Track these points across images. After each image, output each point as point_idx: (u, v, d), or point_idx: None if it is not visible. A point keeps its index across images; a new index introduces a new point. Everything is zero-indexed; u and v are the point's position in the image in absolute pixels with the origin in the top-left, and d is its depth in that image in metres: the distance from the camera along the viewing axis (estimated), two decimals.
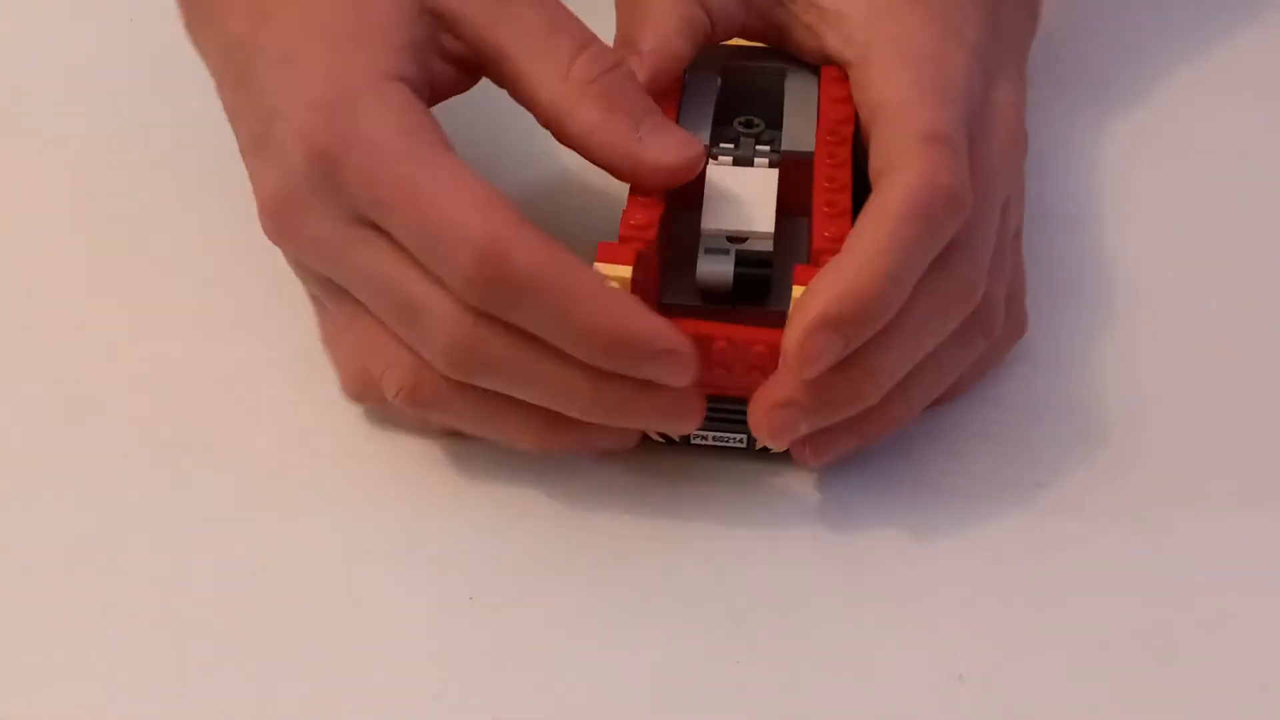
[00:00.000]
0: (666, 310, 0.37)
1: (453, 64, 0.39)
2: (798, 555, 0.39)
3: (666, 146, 0.38)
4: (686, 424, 0.37)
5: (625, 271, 0.36)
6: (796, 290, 0.36)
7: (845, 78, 0.41)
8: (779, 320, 0.36)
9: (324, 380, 0.43)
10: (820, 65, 0.42)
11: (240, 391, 0.43)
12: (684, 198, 0.39)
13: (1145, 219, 0.48)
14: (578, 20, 0.39)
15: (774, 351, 0.36)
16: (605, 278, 0.36)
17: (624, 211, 0.38)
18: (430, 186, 0.35)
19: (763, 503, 0.40)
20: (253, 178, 0.39)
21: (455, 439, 0.40)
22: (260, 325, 0.44)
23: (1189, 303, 0.45)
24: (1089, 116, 0.51)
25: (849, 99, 0.41)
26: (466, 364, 0.36)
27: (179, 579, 0.38)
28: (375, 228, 0.36)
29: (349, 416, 0.42)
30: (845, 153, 0.40)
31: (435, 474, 0.40)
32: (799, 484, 0.40)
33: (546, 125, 0.39)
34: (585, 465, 0.40)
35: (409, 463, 0.41)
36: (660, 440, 0.40)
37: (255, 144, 0.38)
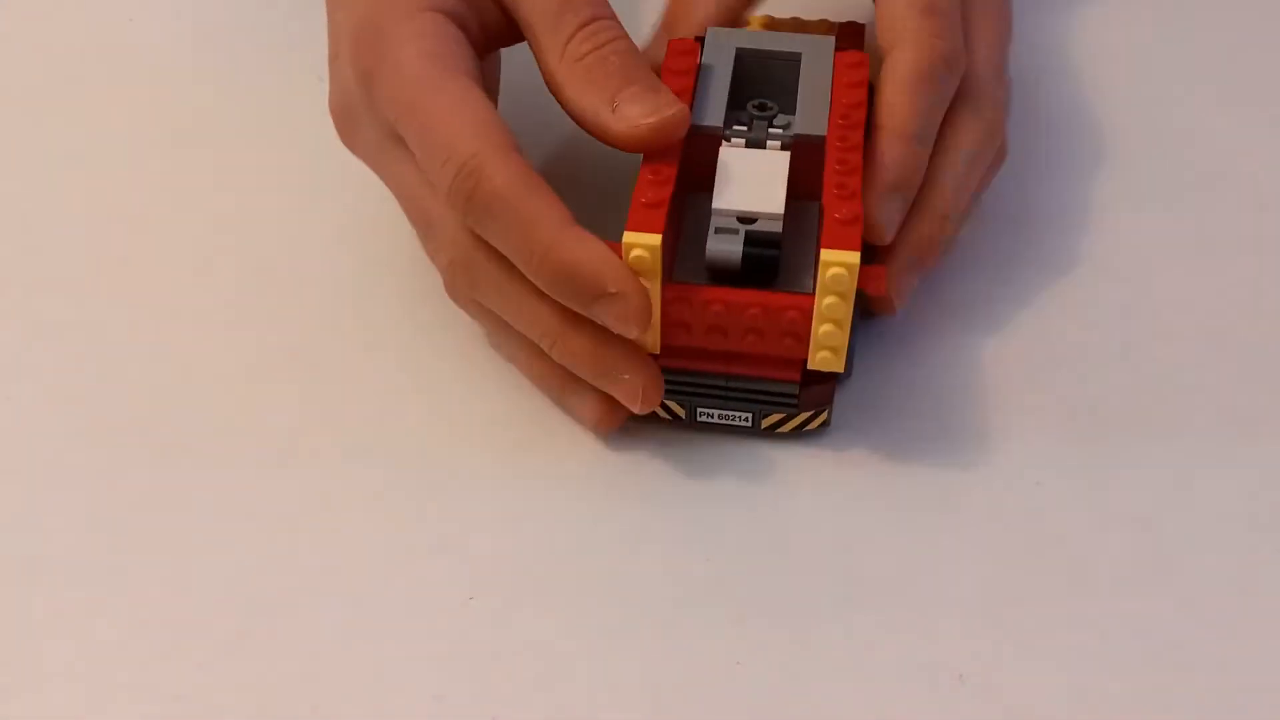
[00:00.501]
0: (681, 286, 0.38)
1: (502, 13, 0.42)
2: (798, 555, 0.39)
3: (637, 115, 0.38)
4: (640, 400, 0.39)
5: (655, 240, 0.37)
6: (825, 254, 0.37)
7: (861, 63, 0.43)
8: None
9: (324, 380, 0.43)
10: (836, 49, 0.43)
11: (240, 391, 0.43)
12: (696, 179, 0.40)
13: (1145, 218, 0.48)
14: None
15: (805, 317, 0.38)
16: (627, 246, 0.37)
17: (634, 190, 0.38)
18: (433, 106, 0.38)
19: (763, 502, 0.40)
20: (329, 86, 0.43)
21: None
22: (258, 324, 0.44)
23: (1189, 302, 0.45)
24: (1090, 116, 0.51)
25: (864, 83, 0.42)
26: (462, 283, 0.40)
27: (179, 579, 0.38)
28: (403, 144, 0.40)
29: (349, 416, 0.42)
30: (857, 137, 0.40)
31: (436, 473, 0.40)
32: (799, 484, 0.40)
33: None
34: (586, 466, 0.41)
35: (409, 462, 0.41)
36: (667, 417, 0.41)
37: (330, 58, 0.43)
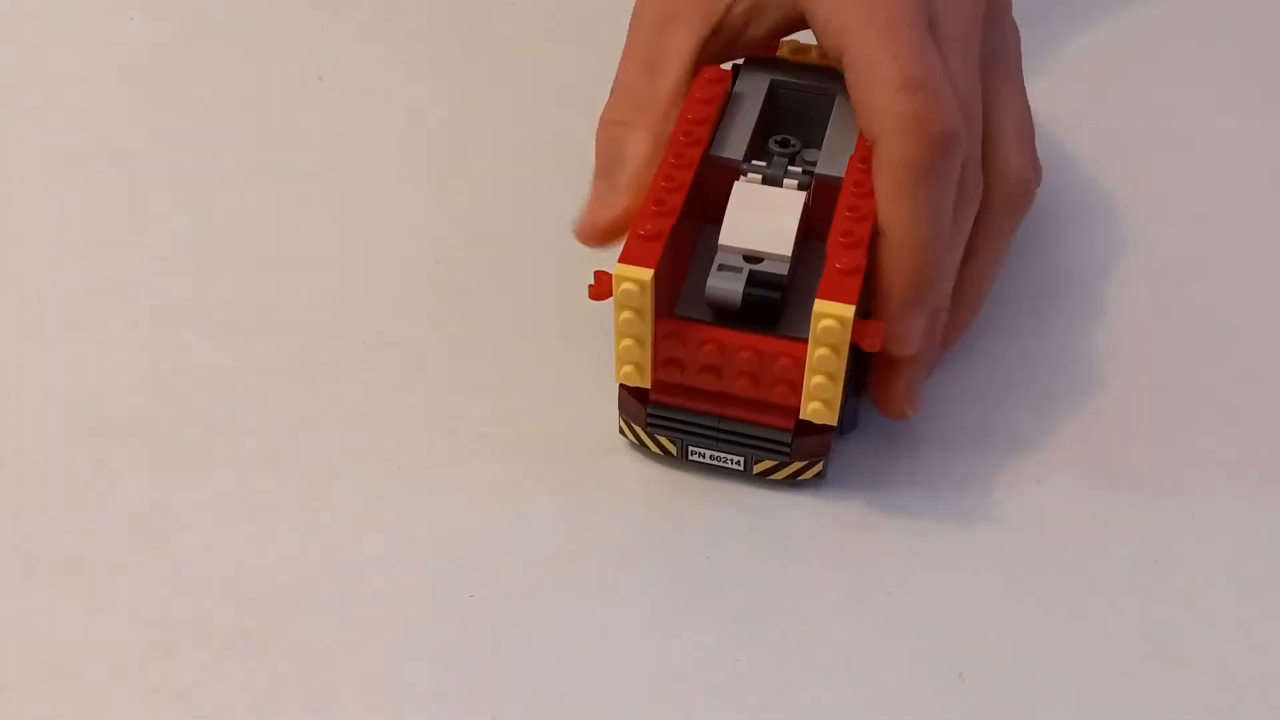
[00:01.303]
0: (677, 322, 0.37)
1: None
2: (798, 555, 0.39)
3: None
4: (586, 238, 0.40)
5: (646, 274, 0.36)
6: (818, 304, 0.35)
7: None
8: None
9: (324, 379, 0.43)
10: None
11: (240, 391, 0.43)
12: (713, 210, 0.39)
13: (1146, 218, 0.48)
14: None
15: (799, 365, 0.36)
16: (618, 278, 0.36)
17: (634, 219, 0.37)
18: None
19: (763, 503, 0.40)
20: None
21: None
22: (258, 323, 0.44)
23: (1190, 302, 0.45)
24: (1090, 116, 0.51)
25: None
26: None
27: (179, 578, 0.38)
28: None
29: (349, 415, 0.42)
30: (871, 181, 0.38)
31: (436, 473, 0.40)
32: (799, 484, 0.40)
33: None
34: (586, 466, 0.41)
35: (409, 462, 0.41)
36: (657, 451, 0.40)
37: None
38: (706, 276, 0.38)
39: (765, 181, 0.39)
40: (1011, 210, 0.41)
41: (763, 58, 0.43)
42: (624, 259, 0.36)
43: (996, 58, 0.42)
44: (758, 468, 0.39)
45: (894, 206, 0.37)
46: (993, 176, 0.40)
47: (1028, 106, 0.43)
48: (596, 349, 0.41)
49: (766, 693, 0.36)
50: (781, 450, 0.39)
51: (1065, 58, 0.54)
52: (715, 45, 0.42)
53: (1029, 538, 0.39)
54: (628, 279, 0.36)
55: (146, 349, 0.44)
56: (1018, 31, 0.44)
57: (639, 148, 0.40)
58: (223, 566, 0.38)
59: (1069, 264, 0.46)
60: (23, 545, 0.39)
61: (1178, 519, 0.40)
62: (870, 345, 0.36)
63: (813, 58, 0.44)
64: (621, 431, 0.40)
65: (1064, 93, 0.50)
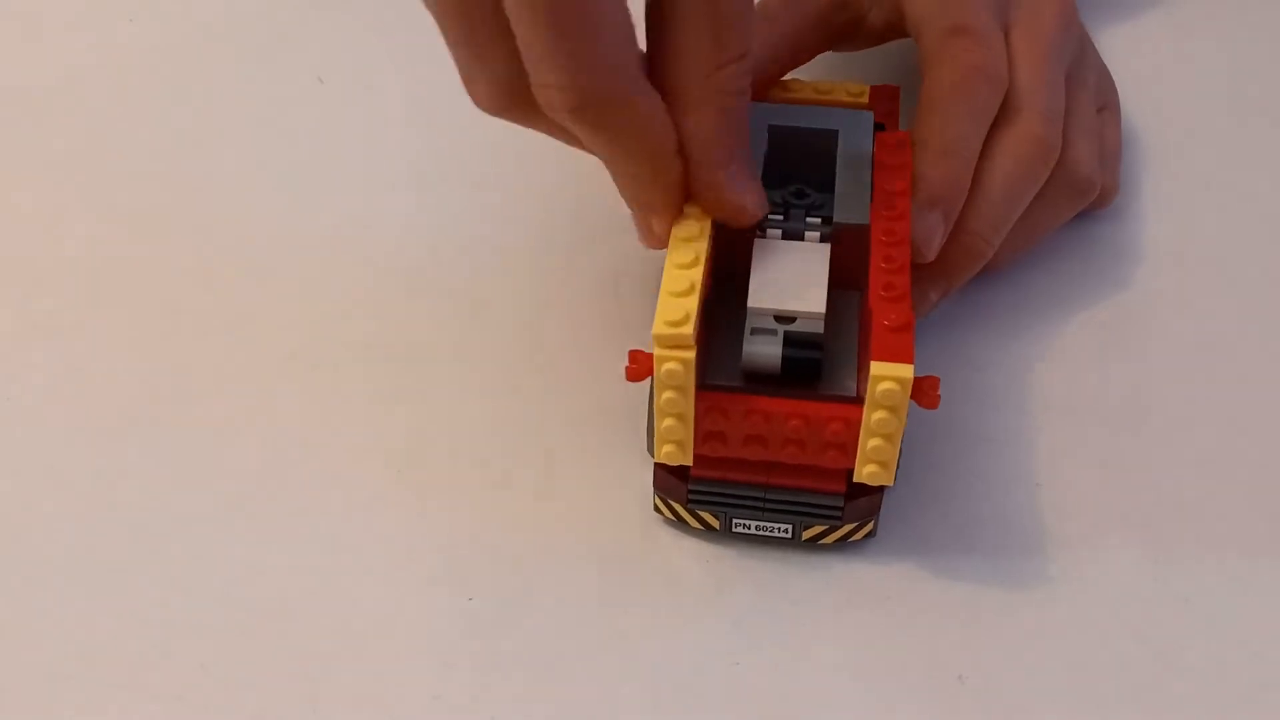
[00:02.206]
0: (708, 391, 0.35)
1: None
2: (797, 555, 0.39)
3: (748, 199, 0.37)
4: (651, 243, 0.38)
5: (689, 354, 0.34)
6: (875, 367, 0.34)
7: (902, 143, 0.40)
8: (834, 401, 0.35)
9: (325, 380, 0.43)
10: (875, 126, 0.41)
11: (240, 391, 0.43)
12: (727, 268, 0.38)
13: (1146, 219, 0.48)
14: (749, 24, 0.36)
15: (852, 429, 0.35)
16: (659, 359, 0.34)
17: (658, 307, 0.35)
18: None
19: None
20: None
21: None
22: (258, 324, 0.44)
23: (1190, 302, 0.45)
24: None
25: (907, 166, 0.40)
26: (506, 111, 0.36)
27: (179, 579, 0.38)
28: None
29: (349, 415, 0.42)
30: (903, 229, 0.38)
31: (436, 473, 0.40)
32: None
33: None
34: (586, 466, 0.40)
35: (409, 462, 0.41)
36: (699, 527, 0.38)
37: None
38: (730, 336, 0.37)
39: (785, 236, 0.38)
40: (1068, 194, 0.45)
41: (754, 104, 0.39)
42: (660, 336, 0.34)
43: (1079, 73, 0.46)
44: (807, 534, 0.38)
45: (929, 116, 0.41)
46: (1061, 168, 0.44)
47: (1099, 123, 0.46)
48: (607, 354, 0.41)
49: (766, 695, 0.36)
50: (834, 515, 0.37)
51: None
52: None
53: (1029, 538, 0.39)
54: (671, 358, 0.34)
55: (146, 349, 0.44)
56: (1107, 72, 0.49)
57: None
58: (223, 567, 0.38)
59: (1069, 264, 0.46)
60: (23, 545, 0.39)
61: (1178, 520, 0.40)
62: (929, 404, 0.35)
63: (804, 95, 0.43)
64: (657, 509, 0.39)
65: None
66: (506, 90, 0.35)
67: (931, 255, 0.40)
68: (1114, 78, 0.49)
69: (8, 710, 0.35)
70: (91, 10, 0.56)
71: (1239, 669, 0.36)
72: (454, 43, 0.35)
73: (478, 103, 0.36)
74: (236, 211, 0.48)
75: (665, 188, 0.37)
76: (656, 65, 0.36)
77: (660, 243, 0.37)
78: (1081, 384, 0.43)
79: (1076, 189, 0.45)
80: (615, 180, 0.37)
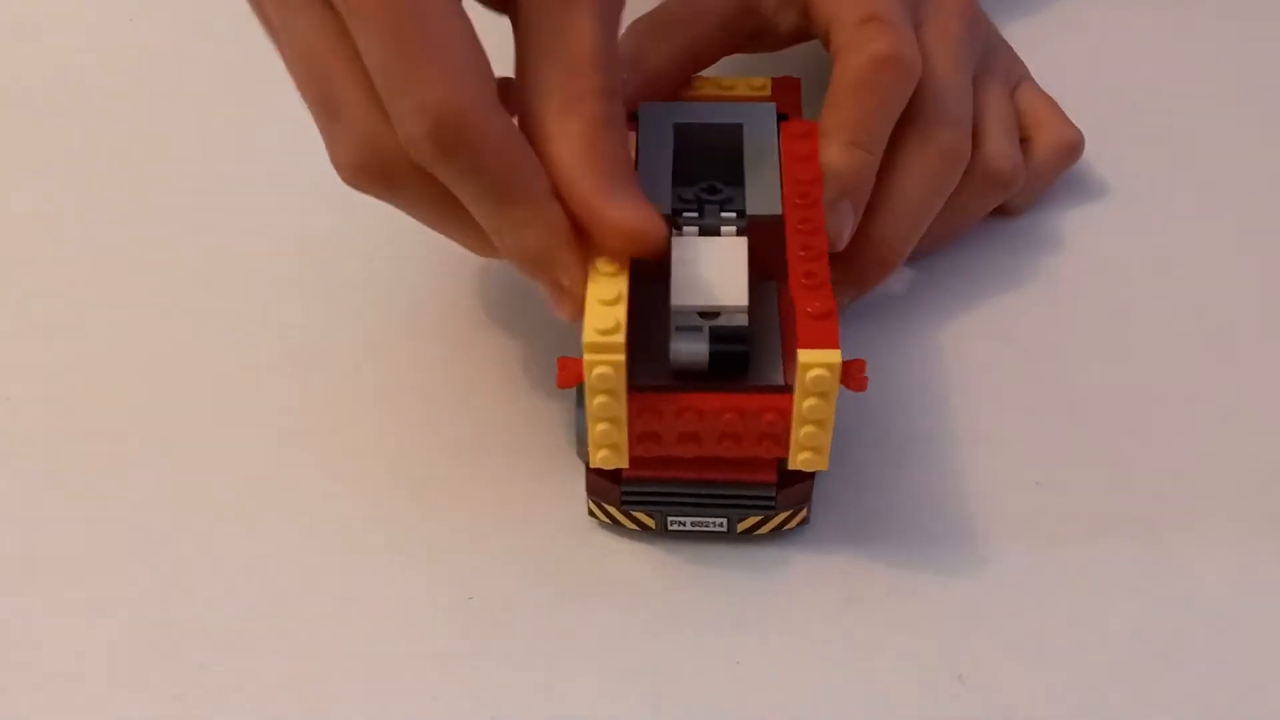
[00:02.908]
0: (640, 392, 0.35)
1: None
2: (797, 556, 0.39)
3: (634, 215, 0.35)
4: (569, 315, 0.36)
5: (618, 356, 0.34)
6: (803, 354, 0.34)
7: (809, 132, 0.40)
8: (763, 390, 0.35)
9: (324, 380, 0.43)
10: (779, 119, 0.41)
11: (240, 391, 0.43)
12: (645, 269, 0.37)
13: (1146, 219, 0.48)
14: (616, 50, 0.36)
15: (785, 418, 0.35)
16: (589, 364, 0.34)
17: (586, 315, 0.35)
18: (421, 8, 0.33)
19: None
20: None
21: None
22: (258, 323, 0.44)
23: (1189, 302, 0.45)
24: (1091, 118, 0.51)
25: (814, 155, 0.40)
26: (370, 186, 0.35)
27: (178, 579, 0.38)
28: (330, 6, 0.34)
29: (348, 414, 0.42)
30: (817, 217, 0.38)
31: (436, 473, 0.40)
32: None
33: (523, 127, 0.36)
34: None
35: (409, 462, 0.41)
36: (634, 528, 0.39)
37: None
38: (653, 336, 0.37)
39: (702, 232, 0.38)
40: (987, 189, 0.45)
41: (655, 103, 0.42)
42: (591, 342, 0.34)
43: (986, 64, 0.46)
44: (741, 526, 0.38)
45: (834, 106, 0.41)
46: (978, 165, 0.44)
47: (1013, 110, 0.47)
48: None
49: (766, 695, 0.36)
50: (766, 504, 0.38)
51: (1059, 58, 0.54)
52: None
53: (1029, 538, 0.39)
54: (601, 362, 0.34)
55: (146, 349, 0.44)
56: (1009, 47, 0.49)
57: None
58: (223, 566, 0.38)
59: (1068, 265, 0.46)
60: (23, 545, 0.39)
61: (1177, 520, 0.40)
62: (858, 387, 0.35)
63: (708, 92, 0.44)
64: (591, 513, 0.39)
65: (1056, 92, 0.50)
66: (367, 145, 0.34)
67: (843, 245, 0.41)
68: (1106, 77, 0.49)
69: (8, 710, 0.35)
70: (91, 10, 0.56)
71: (1239, 669, 0.36)
72: (313, 102, 0.35)
73: (340, 168, 0.35)
74: (237, 211, 0.48)
75: (548, 229, 0.35)
76: (515, 104, 0.35)
77: (577, 306, 0.35)
78: (1082, 385, 0.43)
79: (995, 183, 0.45)
80: (499, 241, 0.35)
